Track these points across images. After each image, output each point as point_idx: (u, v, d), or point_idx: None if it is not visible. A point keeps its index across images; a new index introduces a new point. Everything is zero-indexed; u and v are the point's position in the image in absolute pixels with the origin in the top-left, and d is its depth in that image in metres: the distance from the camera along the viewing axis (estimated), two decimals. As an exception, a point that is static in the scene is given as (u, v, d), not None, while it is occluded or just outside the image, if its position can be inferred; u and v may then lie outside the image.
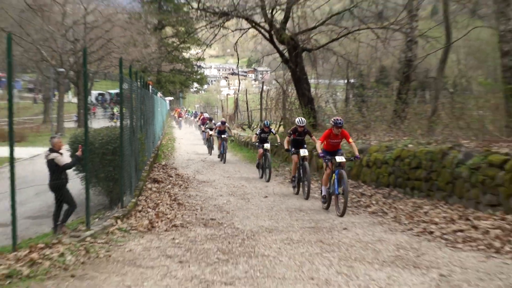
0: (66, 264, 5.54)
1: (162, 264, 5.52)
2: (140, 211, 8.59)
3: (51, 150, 8.15)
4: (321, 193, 9.34)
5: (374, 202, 9.50)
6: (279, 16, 16.20)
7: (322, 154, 8.86)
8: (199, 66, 54.06)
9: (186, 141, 28.22)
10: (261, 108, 26.24)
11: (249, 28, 17.82)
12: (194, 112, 41.12)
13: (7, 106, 5.46)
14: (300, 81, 16.91)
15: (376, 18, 16.52)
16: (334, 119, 8.91)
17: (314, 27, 16.76)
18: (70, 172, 8.80)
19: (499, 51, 10.80)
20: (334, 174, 8.58)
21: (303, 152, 10.44)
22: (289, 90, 20.56)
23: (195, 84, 60.70)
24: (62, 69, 29.64)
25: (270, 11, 15.87)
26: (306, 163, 10.35)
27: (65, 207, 8.28)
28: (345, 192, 8.07)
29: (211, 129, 20.19)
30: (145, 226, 7.41)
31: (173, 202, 9.95)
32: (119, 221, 7.38)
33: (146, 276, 5.16)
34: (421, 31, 15.88)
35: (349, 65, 19.39)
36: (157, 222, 7.80)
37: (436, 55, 16.13)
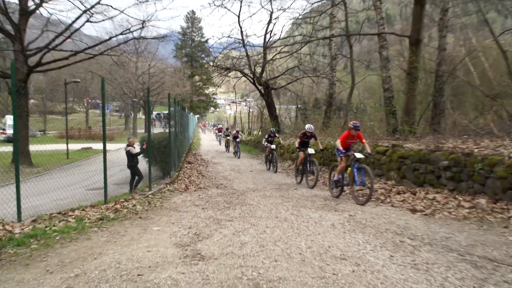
0: (137, 210, 8.29)
1: (192, 210, 8.44)
2: (180, 180, 12.99)
3: (128, 145, 12.82)
4: (332, 180, 10.09)
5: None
6: (258, 69, 25.42)
7: (343, 151, 9.62)
8: (214, 98, 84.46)
9: (206, 141, 43.52)
10: (249, 121, 47.08)
11: (241, 76, 28.33)
12: (212, 124, 63.24)
13: (102, 120, 9.12)
14: (270, 106, 27.22)
15: (312, 70, 25.91)
16: (353, 123, 9.74)
17: (278, 76, 27.50)
18: (140, 158, 13.34)
19: (382, 88, 15.91)
20: (352, 168, 9.26)
21: (310, 150, 12.02)
22: (264, 111, 35.08)
23: (212, 108, 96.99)
24: (135, 99, 48.91)
25: (253, 67, 26.04)
26: (314, 158, 12.00)
27: (136, 178, 12.87)
28: (371, 184, 8.59)
29: (228, 136, 29.92)
30: (183, 188, 11.56)
31: (199, 174, 14.94)
32: (168, 185, 11.48)
33: (183, 216, 7.77)
34: (338, 78, 25.95)
35: (297, 97, 30.99)
36: (190, 186, 12.07)
37: (346, 91, 25.41)
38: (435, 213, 7.59)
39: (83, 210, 8.08)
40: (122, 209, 8.32)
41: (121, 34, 22.78)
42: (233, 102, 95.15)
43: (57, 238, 6.03)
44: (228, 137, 29.97)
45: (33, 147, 20.24)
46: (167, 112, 20.95)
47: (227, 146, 29.83)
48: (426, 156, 9.77)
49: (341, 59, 28.92)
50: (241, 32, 26.19)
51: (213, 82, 34.76)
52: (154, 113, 70.78)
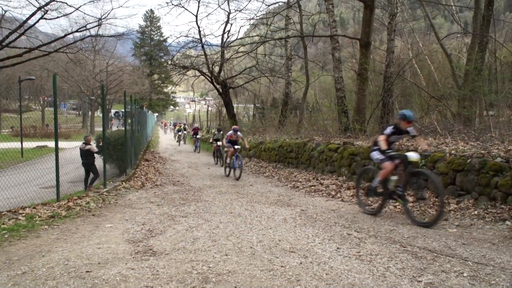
0: (90, 208, 8.13)
1: (147, 207, 8.41)
2: (136, 177, 12.80)
3: (85, 143, 12.49)
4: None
5: (267, 171, 14.61)
6: (216, 68, 25.29)
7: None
8: (174, 97, 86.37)
9: (165, 140, 42.87)
10: (207, 119, 45.98)
11: (199, 75, 28.37)
12: (173, 123, 62.99)
13: (54, 117, 8.85)
14: (228, 105, 27.15)
15: (269, 71, 25.91)
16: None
17: (235, 76, 27.67)
18: (96, 156, 13.01)
19: (335, 88, 16.34)
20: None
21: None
22: (222, 110, 35.79)
23: (171, 107, 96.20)
24: (93, 97, 47.15)
25: (211, 66, 25.92)
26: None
27: (92, 176, 12.59)
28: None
29: (217, 140, 18.52)
30: (139, 185, 11.45)
31: (156, 171, 14.80)
32: (123, 183, 11.31)
33: (137, 213, 7.71)
34: (293, 78, 26.58)
35: (255, 96, 31.50)
36: (146, 183, 11.94)
37: (301, 91, 25.94)
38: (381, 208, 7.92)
39: (34, 208, 7.85)
40: (75, 207, 8.17)
41: (77, 31, 22.22)
42: (192, 101, 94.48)
43: (6, 236, 5.88)
44: (180, 133, 34.34)
45: None
46: (139, 109, 21.13)
47: (218, 157, 26.75)
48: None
49: (296, 59, 29.47)
50: (199, 31, 26.31)
51: (172, 81, 34.86)
52: (112, 111, 70.27)
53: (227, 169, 14.13)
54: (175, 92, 77.76)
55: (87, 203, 8.58)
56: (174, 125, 52.90)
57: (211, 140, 15.88)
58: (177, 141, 34.22)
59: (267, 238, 5.80)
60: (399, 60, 19.57)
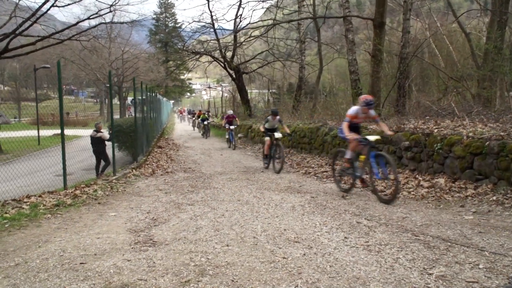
0: (97, 196, 8.01)
1: (155, 194, 8.27)
2: (147, 164, 12.71)
3: (96, 131, 12.45)
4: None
5: (280, 157, 14.17)
6: (229, 54, 25.28)
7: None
8: (190, 83, 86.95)
9: (180, 126, 43.58)
10: (222, 106, 46.07)
11: (213, 61, 27.87)
12: (188, 110, 57.53)
13: (59, 105, 8.73)
14: (241, 90, 27.22)
15: (283, 55, 25.82)
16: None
17: (248, 61, 27.59)
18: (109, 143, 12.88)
19: (348, 71, 15.76)
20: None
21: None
22: (236, 95, 34.79)
23: (187, 93, 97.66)
24: (108, 85, 42.99)
25: (224, 51, 25.83)
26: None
27: (103, 163, 12.57)
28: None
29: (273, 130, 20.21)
30: (149, 173, 11.30)
31: (168, 158, 14.66)
32: (133, 170, 11.18)
33: (143, 201, 7.59)
34: (308, 62, 25.50)
35: (269, 81, 31.42)
36: (157, 170, 11.80)
37: (315, 75, 24.35)
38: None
39: (39, 196, 7.79)
40: (81, 195, 8.06)
41: (89, 18, 21.97)
42: (208, 87, 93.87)
43: (6, 225, 5.77)
44: (204, 122, 27.13)
45: (4, 134, 19.65)
46: (153, 96, 21.11)
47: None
48: (388, 137, 9.78)
49: (311, 42, 28.87)
50: (211, 16, 25.72)
51: (186, 67, 34.45)
52: (129, 98, 69.12)
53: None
54: (191, 79, 77.31)
55: (94, 191, 8.48)
56: (190, 113, 48.87)
57: (262, 129, 12.21)
58: (202, 134, 27.48)
59: (272, 227, 5.56)
60: (417, 41, 18.87)
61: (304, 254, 4.38)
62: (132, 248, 4.77)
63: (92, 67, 45.53)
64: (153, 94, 21.44)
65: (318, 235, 5.13)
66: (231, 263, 4.15)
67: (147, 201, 7.75)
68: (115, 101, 63.58)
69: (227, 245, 4.76)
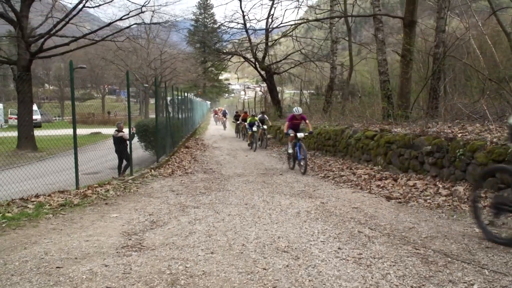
0: (107, 196, 7.93)
1: (165, 196, 8.16)
2: (169, 164, 12.65)
3: (118, 131, 12.35)
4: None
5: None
6: (260, 54, 25.85)
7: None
8: (229, 83, 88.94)
9: (214, 127, 42.70)
10: (255, 106, 41.68)
11: (244, 61, 27.70)
12: (223, 111, 46.68)
13: (71, 104, 8.81)
14: (272, 91, 26.82)
15: (315, 55, 25.10)
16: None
17: (280, 61, 26.79)
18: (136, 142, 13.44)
19: (378, 72, 15.17)
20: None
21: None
22: (267, 96, 32.62)
23: (225, 94, 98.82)
24: (146, 85, 47.75)
25: (255, 51, 25.63)
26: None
27: (125, 163, 12.45)
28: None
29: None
30: (168, 173, 11.22)
31: (192, 159, 14.63)
32: (152, 170, 11.13)
33: (151, 202, 7.51)
34: (340, 62, 25.15)
35: (302, 82, 30.75)
36: (177, 171, 11.72)
37: (353, 76, 24.47)
38: (409, 201, 7.21)
39: (49, 195, 7.84)
40: (91, 195, 8.05)
41: (121, 19, 22.43)
42: (248, 88, 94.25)
43: (3, 225, 5.80)
44: (254, 128, 19.57)
45: (43, 132, 20.28)
46: (183, 97, 21.32)
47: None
48: (411, 141, 9.32)
49: (344, 43, 28.20)
50: (243, 16, 25.57)
51: (220, 67, 34.49)
52: (168, 98, 70.13)
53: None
54: (228, 79, 77.73)
55: (106, 191, 8.48)
56: (225, 115, 42.22)
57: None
58: (249, 144, 19.85)
59: (267, 234, 5.32)
60: (454, 40, 17.96)
61: (287, 266, 4.12)
62: (116, 252, 4.66)
63: (130, 68, 46.48)
64: (183, 94, 21.55)
65: (311, 244, 4.85)
66: (208, 273, 3.95)
67: (155, 202, 7.66)
68: (152, 101, 65.25)
69: (212, 253, 4.57)
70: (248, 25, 25.32)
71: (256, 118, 19.55)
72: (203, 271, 4.00)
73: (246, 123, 21.63)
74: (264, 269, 4.03)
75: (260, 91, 72.87)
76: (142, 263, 4.26)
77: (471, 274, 3.81)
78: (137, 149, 14.75)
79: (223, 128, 38.19)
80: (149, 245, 4.91)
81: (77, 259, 4.41)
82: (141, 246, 4.90)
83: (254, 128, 19.03)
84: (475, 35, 20.68)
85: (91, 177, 11.58)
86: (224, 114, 40.58)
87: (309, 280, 3.74)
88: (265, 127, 19.05)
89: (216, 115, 51.71)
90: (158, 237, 5.27)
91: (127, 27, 23.07)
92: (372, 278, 3.78)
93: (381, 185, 8.70)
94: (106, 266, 4.18)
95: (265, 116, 20.19)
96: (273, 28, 24.58)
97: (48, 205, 7.05)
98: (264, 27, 24.73)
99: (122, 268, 4.11)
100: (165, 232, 5.49)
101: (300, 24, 19.65)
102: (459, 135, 8.28)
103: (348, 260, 4.28)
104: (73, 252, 4.64)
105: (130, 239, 5.19)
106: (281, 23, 25.91)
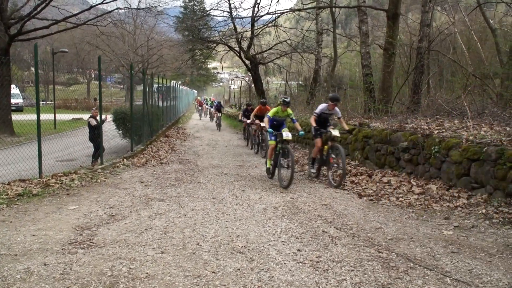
0: (70, 186, 7.55)
1: (133, 187, 7.82)
2: (144, 154, 12.15)
3: (92, 117, 11.77)
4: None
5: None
6: (245, 43, 24.95)
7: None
8: (218, 72, 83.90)
9: (198, 116, 39.34)
10: (240, 96, 44.22)
11: (228, 50, 26.71)
12: (217, 103, 31.46)
13: (35, 90, 8.42)
14: (256, 81, 25.85)
15: (301, 46, 23.99)
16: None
17: (265, 51, 25.98)
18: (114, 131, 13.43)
19: (360, 65, 15.11)
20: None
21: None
22: (252, 86, 32.40)
23: (213, 83, 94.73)
24: (132, 72, 40.99)
25: (240, 40, 24.67)
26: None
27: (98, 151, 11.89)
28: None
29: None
30: (142, 163, 10.77)
31: (170, 149, 14.09)
32: (125, 160, 10.69)
33: (116, 194, 7.14)
34: (325, 54, 25.01)
35: (287, 73, 30.05)
36: (151, 161, 11.25)
37: (342, 69, 24.88)
38: (381, 199, 7.01)
39: (8, 184, 7.48)
40: (54, 184, 7.68)
41: (102, 3, 21.78)
42: (236, 77, 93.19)
43: (-51, 216, 5.46)
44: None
45: (24, 117, 19.70)
46: (166, 85, 20.86)
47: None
48: (388, 136, 9.10)
49: (328, 34, 27.85)
50: (229, 4, 25.03)
51: (205, 55, 33.74)
52: (155, 85, 69.12)
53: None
54: (216, 68, 76.85)
55: (71, 181, 8.12)
56: (219, 109, 29.09)
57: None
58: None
59: (226, 232, 5.06)
60: (438, 34, 17.77)
61: (239, 269, 3.86)
62: (62, 249, 4.36)
63: (116, 53, 45.58)
64: (166, 82, 21.08)
65: (270, 245, 4.60)
66: (151, 276, 3.67)
67: (119, 194, 7.34)
68: (140, 87, 64.54)
69: (162, 252, 4.29)
70: (234, 13, 24.82)
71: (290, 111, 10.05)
72: (147, 273, 3.72)
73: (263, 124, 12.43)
74: (213, 272, 3.77)
75: (245, 80, 72.01)
76: (85, 262, 3.98)
77: (432, 283, 3.59)
78: (116, 137, 14.40)
79: (210, 121, 33.03)
80: (99, 242, 4.62)
81: (17, 255, 4.11)
82: (90, 243, 4.61)
83: (285, 134, 8.80)
84: (463, 31, 20.51)
85: (65, 165, 11.18)
86: (219, 108, 26.92)
87: (258, 286, 3.48)
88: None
89: (200, 107, 39.86)
90: (111, 232, 4.98)
91: (110, 12, 22.49)
92: (326, 284, 3.55)
93: (355, 181, 8.51)
94: (45, 265, 3.88)
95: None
96: (259, 17, 24.14)
97: (5, 195, 6.71)
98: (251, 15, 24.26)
99: (61, 268, 3.82)
100: (120, 228, 5.20)
101: (284, 12, 19.17)
102: (436, 131, 8.09)
103: (305, 263, 4.03)
104: (15, 248, 4.34)
105: (81, 235, 4.90)
106: (267, 13, 25.36)
